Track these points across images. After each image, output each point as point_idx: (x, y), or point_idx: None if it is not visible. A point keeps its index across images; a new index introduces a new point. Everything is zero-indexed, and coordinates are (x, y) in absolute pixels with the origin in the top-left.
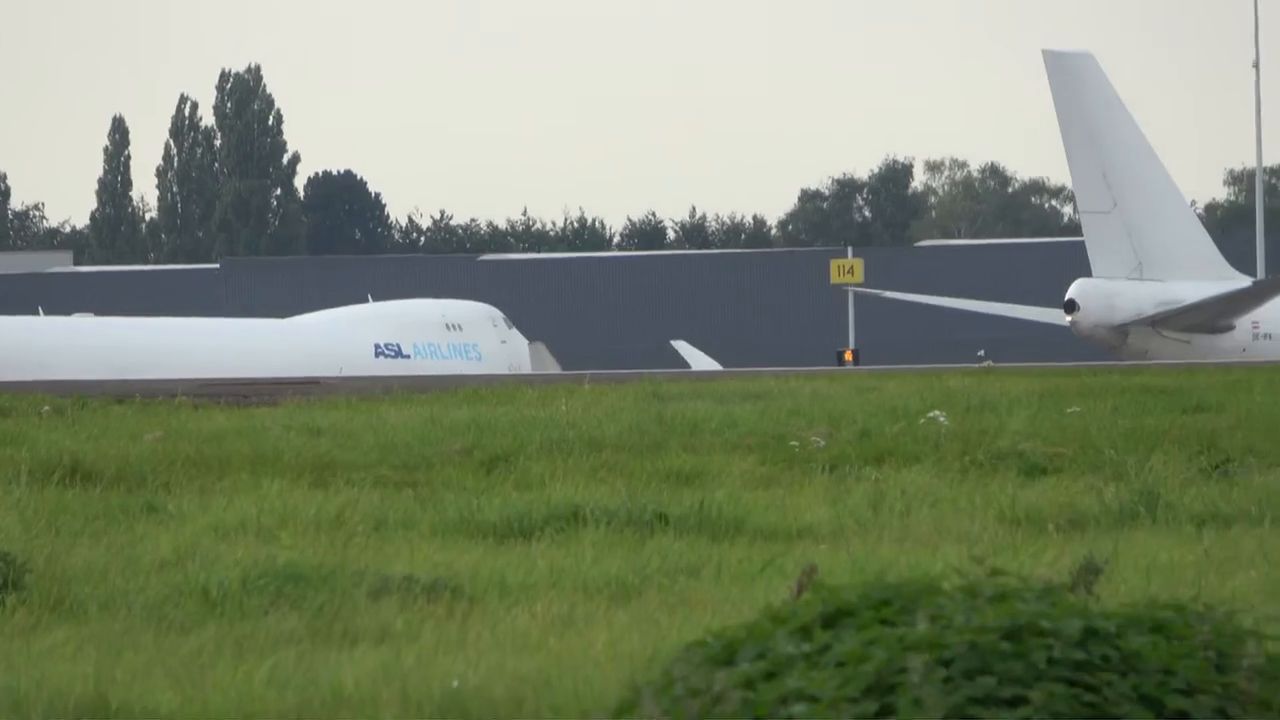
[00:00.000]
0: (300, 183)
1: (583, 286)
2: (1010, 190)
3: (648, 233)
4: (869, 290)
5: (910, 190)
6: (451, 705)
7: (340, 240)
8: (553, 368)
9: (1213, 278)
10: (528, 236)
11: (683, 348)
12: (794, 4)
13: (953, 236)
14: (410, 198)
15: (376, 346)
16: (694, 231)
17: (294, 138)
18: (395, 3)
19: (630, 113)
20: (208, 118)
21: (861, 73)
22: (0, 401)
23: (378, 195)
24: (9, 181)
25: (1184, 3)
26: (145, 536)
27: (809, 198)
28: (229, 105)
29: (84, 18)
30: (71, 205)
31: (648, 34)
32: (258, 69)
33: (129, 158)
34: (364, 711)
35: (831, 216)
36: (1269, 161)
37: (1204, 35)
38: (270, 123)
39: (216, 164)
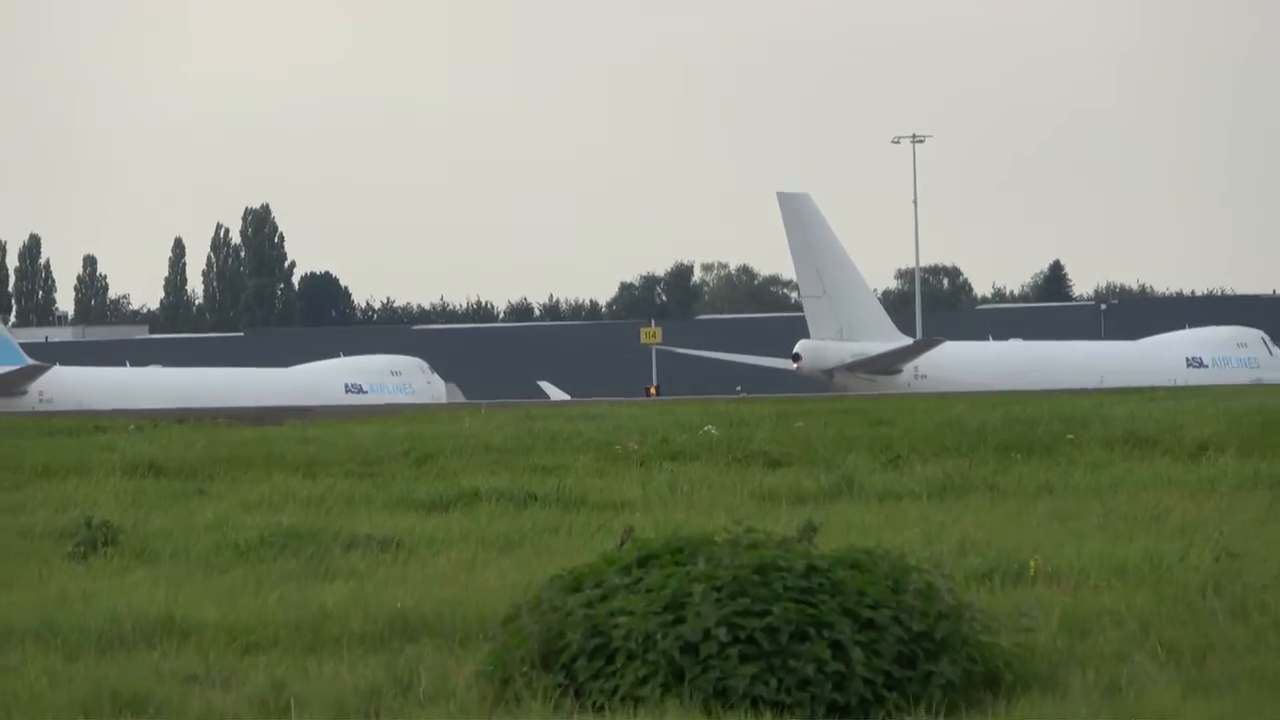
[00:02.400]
0: (296, 279)
1: (479, 346)
2: (756, 282)
3: (521, 310)
4: (666, 347)
5: (692, 282)
6: (397, 618)
7: (322, 317)
8: (460, 399)
9: (888, 339)
10: (444, 313)
11: (545, 386)
12: (619, 154)
13: (720, 313)
14: (367, 288)
15: (346, 386)
16: (552, 309)
17: (292, 250)
18: (353, 164)
19: (510, 229)
20: (235, 238)
21: (661, 203)
22: (100, 423)
23: (346, 287)
24: (109, 280)
25: (870, 157)
26: (197, 510)
27: (626, 287)
28: (249, 229)
29: (153, 176)
30: (147, 295)
31: (524, 176)
32: (267, 206)
33: (185, 264)
34: (340, 623)
35: (641, 299)
36: (924, 264)
37: (882, 178)
38: (276, 240)
39: (241, 268)
